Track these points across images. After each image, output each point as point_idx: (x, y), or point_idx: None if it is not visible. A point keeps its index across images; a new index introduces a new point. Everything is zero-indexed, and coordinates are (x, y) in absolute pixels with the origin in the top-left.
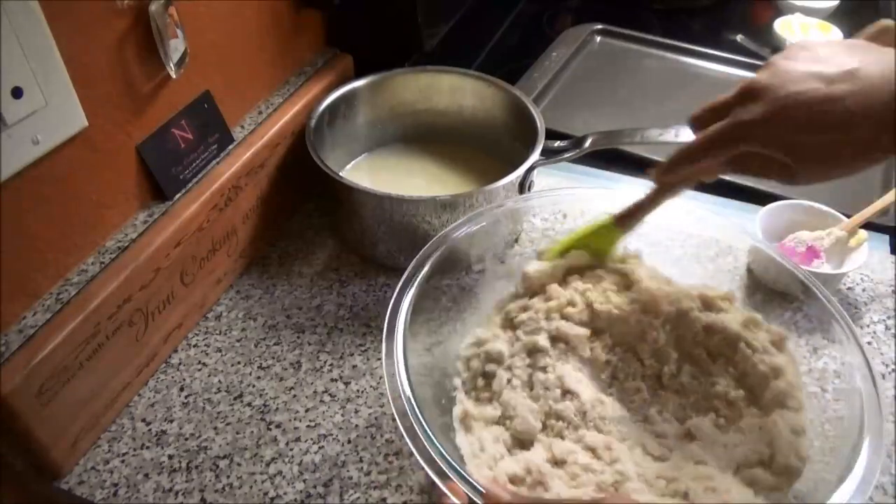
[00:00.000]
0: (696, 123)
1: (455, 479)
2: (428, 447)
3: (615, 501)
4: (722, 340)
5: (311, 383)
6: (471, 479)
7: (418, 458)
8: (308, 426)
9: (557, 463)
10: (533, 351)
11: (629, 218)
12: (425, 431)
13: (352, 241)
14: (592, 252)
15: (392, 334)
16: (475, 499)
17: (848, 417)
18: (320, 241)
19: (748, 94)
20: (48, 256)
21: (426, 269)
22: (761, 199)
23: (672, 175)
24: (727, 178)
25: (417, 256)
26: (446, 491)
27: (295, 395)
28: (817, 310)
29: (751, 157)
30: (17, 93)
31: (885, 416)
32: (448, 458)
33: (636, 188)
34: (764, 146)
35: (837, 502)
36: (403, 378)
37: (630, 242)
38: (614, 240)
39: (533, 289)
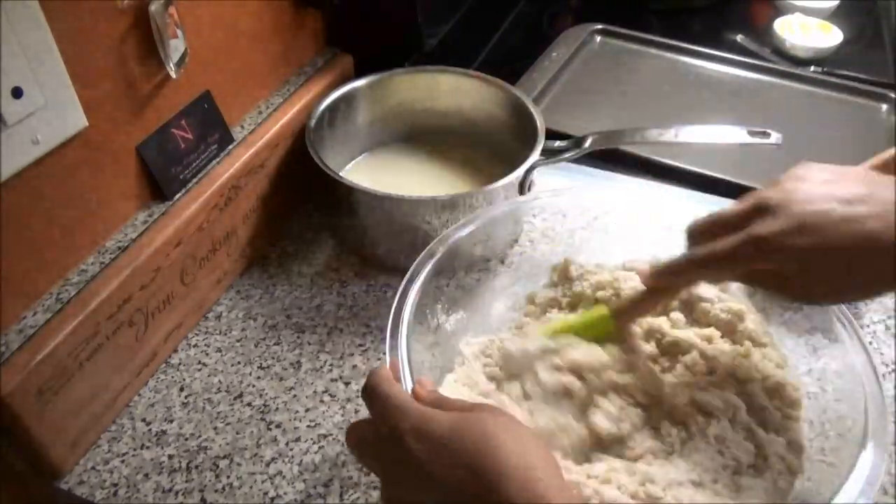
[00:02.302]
0: (696, 235)
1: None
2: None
3: (492, 415)
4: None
5: (311, 383)
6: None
7: None
8: (308, 426)
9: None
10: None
11: (627, 317)
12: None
13: (352, 241)
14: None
15: (396, 335)
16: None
17: (850, 417)
18: (320, 241)
19: (761, 209)
20: (48, 256)
21: (428, 269)
22: None
23: (675, 280)
24: (728, 177)
25: (419, 257)
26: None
27: (295, 395)
28: (819, 309)
29: (764, 273)
30: (17, 93)
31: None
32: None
33: (635, 188)
34: (782, 263)
35: (842, 502)
36: (408, 380)
37: (630, 243)
38: (608, 333)
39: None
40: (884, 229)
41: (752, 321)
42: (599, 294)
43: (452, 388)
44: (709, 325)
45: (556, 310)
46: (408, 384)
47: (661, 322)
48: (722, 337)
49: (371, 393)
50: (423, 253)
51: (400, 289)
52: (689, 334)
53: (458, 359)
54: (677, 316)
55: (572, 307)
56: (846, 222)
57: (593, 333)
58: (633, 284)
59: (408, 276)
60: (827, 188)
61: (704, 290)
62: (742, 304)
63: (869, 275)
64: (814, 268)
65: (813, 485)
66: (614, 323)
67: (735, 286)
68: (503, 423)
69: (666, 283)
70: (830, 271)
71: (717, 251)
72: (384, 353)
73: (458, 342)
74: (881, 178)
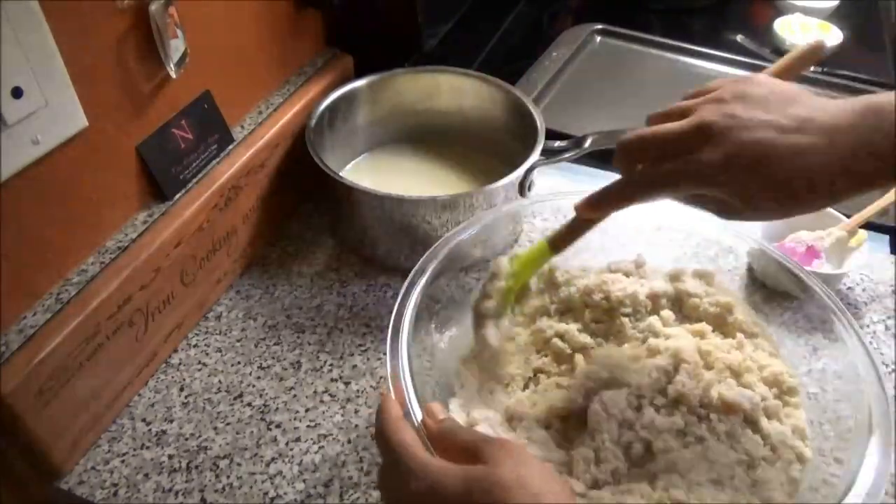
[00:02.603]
0: (630, 152)
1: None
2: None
3: (515, 451)
4: None
5: (311, 383)
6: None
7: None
8: (308, 426)
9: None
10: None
11: (562, 243)
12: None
13: (352, 241)
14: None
15: (397, 338)
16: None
17: (850, 418)
18: (320, 241)
19: (701, 134)
20: (48, 256)
21: (429, 272)
22: None
23: (613, 207)
24: None
25: (421, 259)
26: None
27: (295, 395)
28: (819, 309)
29: (700, 196)
30: (17, 93)
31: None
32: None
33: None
34: (722, 191)
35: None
36: (409, 382)
37: (630, 243)
38: (542, 263)
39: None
40: (822, 162)
41: (741, 312)
42: (583, 287)
43: (458, 415)
44: (699, 321)
45: (545, 317)
46: (413, 399)
47: (652, 321)
48: (713, 331)
49: (383, 444)
50: (425, 255)
51: (401, 293)
52: (681, 332)
53: (458, 382)
54: (667, 314)
55: (562, 314)
56: (786, 154)
57: (536, 266)
58: (621, 286)
59: (409, 279)
60: (767, 112)
61: (692, 285)
62: (730, 297)
63: (811, 195)
64: (754, 193)
65: (814, 486)
66: (550, 251)
67: (726, 284)
68: (518, 476)
69: (603, 212)
70: (772, 195)
71: (657, 178)
72: (384, 354)
73: (458, 343)
74: (820, 102)
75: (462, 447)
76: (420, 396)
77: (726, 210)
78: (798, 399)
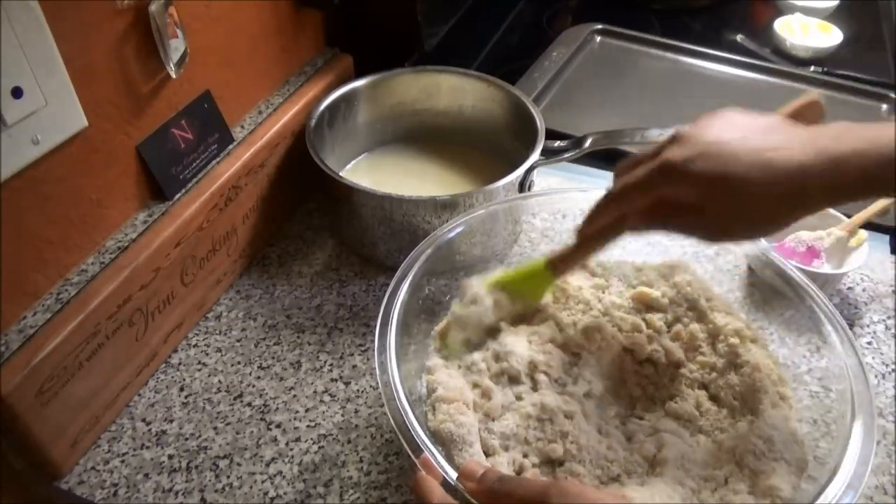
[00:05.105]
0: (619, 174)
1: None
2: (415, 437)
3: (571, 488)
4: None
5: (311, 383)
6: (445, 465)
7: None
8: (308, 426)
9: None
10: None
11: (563, 265)
12: (415, 430)
13: (352, 241)
14: (522, 297)
15: (385, 334)
16: (450, 478)
17: (849, 418)
18: (320, 241)
19: (673, 139)
20: (48, 256)
21: (416, 268)
22: None
23: (591, 225)
24: None
25: (409, 257)
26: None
27: (295, 395)
28: (810, 312)
29: (667, 206)
30: (17, 93)
31: (885, 416)
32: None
33: None
34: (687, 189)
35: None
36: (397, 381)
37: (630, 243)
38: (546, 286)
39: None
40: (783, 159)
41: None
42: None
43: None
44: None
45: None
46: (399, 389)
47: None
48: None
49: None
50: (412, 252)
51: (389, 289)
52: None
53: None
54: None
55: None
56: (747, 151)
57: (531, 286)
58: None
59: (396, 276)
60: (736, 125)
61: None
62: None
63: (772, 205)
64: (718, 196)
65: (817, 486)
66: (550, 273)
67: (727, 296)
68: None
69: (593, 227)
70: (734, 201)
71: (630, 180)
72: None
73: None
74: (793, 126)
75: (520, 500)
76: (409, 397)
77: (698, 226)
78: (765, 349)
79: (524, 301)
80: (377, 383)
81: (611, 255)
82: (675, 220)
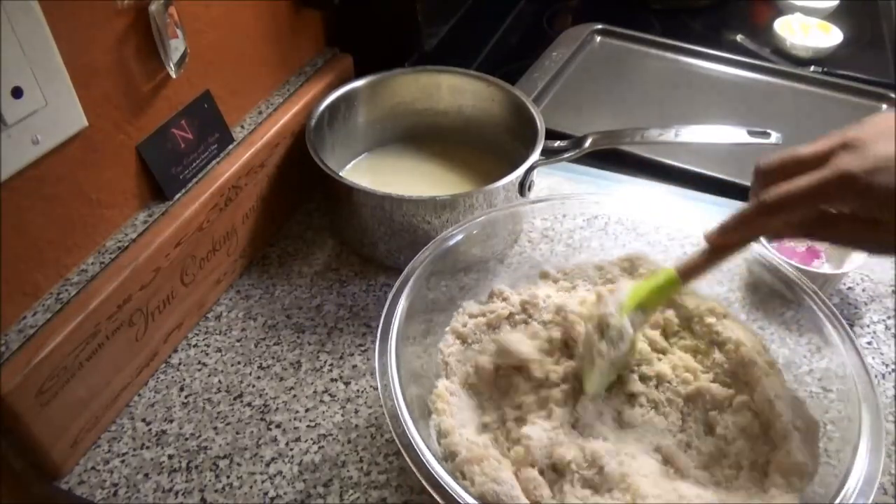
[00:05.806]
0: (766, 175)
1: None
2: (418, 454)
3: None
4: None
5: (311, 383)
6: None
7: (409, 462)
8: (308, 426)
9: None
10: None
11: (693, 273)
12: (414, 438)
13: (352, 241)
14: (654, 309)
15: (386, 337)
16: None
17: (850, 419)
18: (320, 241)
19: (846, 145)
20: (48, 256)
21: (420, 270)
22: None
23: (744, 232)
24: (727, 177)
25: (414, 259)
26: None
27: (295, 395)
28: (810, 313)
29: (835, 217)
30: (17, 93)
31: (885, 416)
32: (434, 467)
33: (635, 189)
34: (865, 204)
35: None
36: (396, 383)
37: (629, 243)
38: (673, 293)
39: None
40: None
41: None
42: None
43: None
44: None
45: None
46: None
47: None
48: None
49: None
50: (418, 255)
51: (392, 291)
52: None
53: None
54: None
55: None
56: None
57: (663, 296)
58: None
59: (401, 277)
60: None
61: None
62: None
63: None
64: None
65: (819, 487)
66: (680, 283)
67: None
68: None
69: (734, 238)
70: None
71: (794, 190)
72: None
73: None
74: None
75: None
76: (408, 396)
77: (862, 238)
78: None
79: (654, 312)
80: (377, 384)
81: (569, 260)
82: (843, 232)
